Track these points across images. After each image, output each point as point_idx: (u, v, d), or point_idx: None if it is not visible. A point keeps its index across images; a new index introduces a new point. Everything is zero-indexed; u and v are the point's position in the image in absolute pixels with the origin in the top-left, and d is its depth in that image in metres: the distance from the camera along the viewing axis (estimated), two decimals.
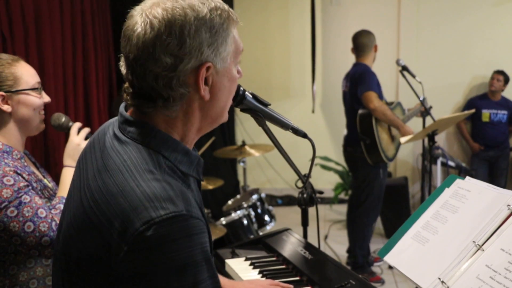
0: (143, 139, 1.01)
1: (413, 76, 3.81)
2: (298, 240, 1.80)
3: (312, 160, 1.64)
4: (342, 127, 4.39)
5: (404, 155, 6.20)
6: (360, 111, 3.89)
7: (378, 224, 5.27)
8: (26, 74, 1.69)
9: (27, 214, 1.54)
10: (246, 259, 1.76)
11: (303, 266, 1.60)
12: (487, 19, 5.81)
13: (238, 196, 4.15)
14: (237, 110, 1.50)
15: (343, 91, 4.19)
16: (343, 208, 5.99)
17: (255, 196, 3.81)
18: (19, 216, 1.53)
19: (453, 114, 5.66)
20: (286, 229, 1.93)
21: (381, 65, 5.43)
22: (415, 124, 5.22)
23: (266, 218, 3.79)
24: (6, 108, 1.66)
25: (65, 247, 1.04)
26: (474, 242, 1.22)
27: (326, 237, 5.09)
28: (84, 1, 3.88)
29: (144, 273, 0.89)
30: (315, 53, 5.86)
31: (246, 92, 1.42)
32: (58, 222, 1.57)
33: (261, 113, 1.47)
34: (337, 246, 4.78)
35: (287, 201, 6.33)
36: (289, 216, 5.51)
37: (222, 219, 3.65)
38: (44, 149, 3.50)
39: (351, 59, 4.17)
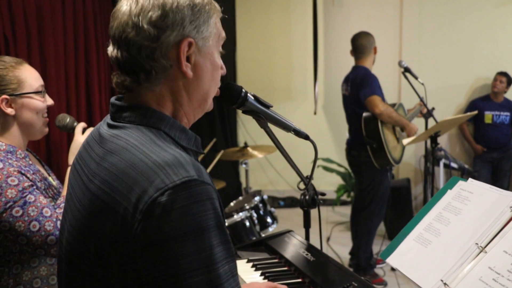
0: (141, 120, 1.05)
1: (416, 78, 3.80)
2: (300, 242, 1.80)
3: (314, 161, 1.64)
4: (344, 129, 4.38)
5: (407, 156, 6.19)
6: (364, 115, 3.85)
7: (381, 226, 5.26)
8: (30, 77, 1.70)
9: (32, 214, 1.55)
10: (248, 261, 1.76)
11: (305, 268, 1.59)
12: (489, 20, 5.81)
13: (240, 198, 4.14)
14: (240, 111, 1.50)
15: (343, 94, 4.16)
16: (345, 210, 5.99)
17: (257, 198, 3.80)
18: (24, 215, 1.54)
19: (455, 115, 5.65)
20: (288, 231, 1.93)
21: (383, 67, 5.43)
22: (418, 126, 5.22)
23: (268, 220, 3.79)
24: (10, 111, 1.67)
25: (73, 246, 1.04)
26: (476, 244, 1.22)
27: (328, 239, 5.09)
28: (86, 3, 3.89)
29: (159, 241, 0.89)
30: (317, 54, 5.86)
31: (248, 94, 1.42)
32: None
33: (263, 115, 1.47)
34: (339, 248, 4.78)
35: (289, 202, 6.33)
36: (291, 218, 5.51)
37: (225, 221, 3.64)
38: (47, 150, 3.50)
39: (353, 61, 4.17)
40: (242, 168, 4.95)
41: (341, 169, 5.94)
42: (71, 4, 3.71)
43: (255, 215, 3.71)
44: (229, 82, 1.40)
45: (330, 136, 6.35)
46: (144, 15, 1.01)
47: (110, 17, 1.09)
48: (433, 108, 4.10)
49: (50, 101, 1.79)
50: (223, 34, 1.14)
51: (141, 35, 1.01)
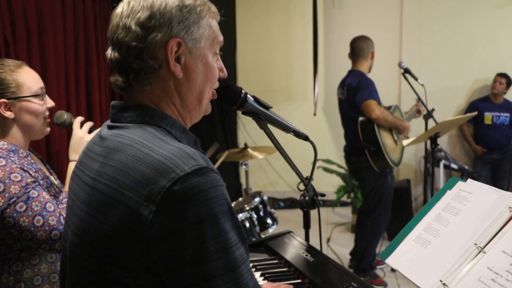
0: (143, 118, 1.06)
1: (415, 79, 3.81)
2: (300, 243, 1.80)
3: (314, 162, 1.64)
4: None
5: (407, 157, 6.19)
6: (360, 119, 3.84)
7: None
8: (28, 80, 1.71)
9: (36, 209, 1.57)
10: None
11: (305, 268, 1.60)
12: (489, 22, 5.82)
13: (240, 199, 4.14)
14: (239, 112, 1.51)
15: (339, 99, 4.15)
16: (345, 211, 6.00)
17: (257, 199, 3.80)
18: (28, 210, 1.55)
19: (455, 116, 5.65)
20: (288, 232, 1.93)
21: (383, 68, 5.44)
22: (418, 127, 5.23)
23: (268, 221, 3.79)
24: (9, 114, 1.68)
25: (80, 248, 1.04)
26: (475, 244, 1.22)
27: (328, 240, 5.09)
28: (86, 5, 3.89)
29: (176, 229, 0.91)
30: (317, 55, 5.87)
31: (248, 95, 1.43)
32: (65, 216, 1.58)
33: (262, 116, 1.48)
34: (339, 248, 4.78)
35: (290, 204, 6.33)
36: (291, 219, 5.51)
37: None
38: (47, 147, 3.50)
39: None
40: (242, 169, 4.95)
41: (341, 170, 5.93)
42: (71, 5, 3.71)
43: (255, 216, 3.71)
44: (228, 83, 1.41)
45: (330, 137, 6.36)
46: (133, 16, 1.03)
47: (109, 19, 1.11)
48: (433, 109, 4.10)
49: (50, 103, 1.81)
50: (220, 38, 1.15)
51: (129, 35, 1.03)
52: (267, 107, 1.48)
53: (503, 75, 5.58)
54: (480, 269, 1.16)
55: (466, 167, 5.12)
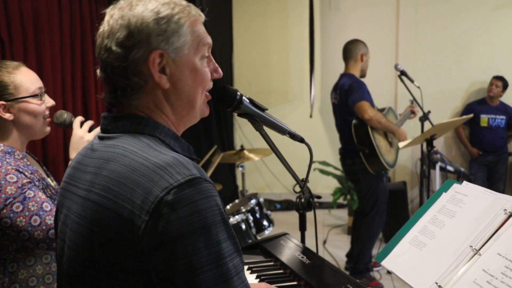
0: (136, 128, 1.07)
1: (412, 81, 3.81)
2: (296, 245, 1.80)
3: (310, 164, 1.64)
4: None
5: (403, 160, 6.21)
6: (354, 122, 3.84)
7: None
8: (26, 81, 1.71)
9: (32, 208, 1.57)
10: (244, 264, 1.76)
11: (301, 271, 1.59)
12: (485, 24, 5.84)
13: (237, 201, 4.14)
14: (235, 115, 1.50)
15: (333, 103, 4.16)
16: (341, 213, 6.00)
17: (253, 201, 3.80)
18: (24, 210, 1.56)
19: (451, 119, 5.67)
20: (284, 234, 1.93)
21: (380, 70, 5.45)
22: (414, 129, 5.24)
23: (265, 222, 3.78)
24: (8, 116, 1.68)
25: (76, 261, 1.04)
26: (471, 246, 1.22)
27: (324, 242, 5.09)
28: (83, 5, 3.88)
29: (169, 239, 0.90)
30: (313, 57, 5.87)
31: (244, 97, 1.43)
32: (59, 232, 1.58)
33: (258, 118, 1.47)
34: (335, 251, 4.78)
35: (286, 206, 6.33)
36: (287, 221, 5.51)
37: None
38: (43, 147, 3.49)
39: None
40: (238, 171, 4.95)
41: (338, 172, 5.94)
42: (67, 6, 3.70)
43: (251, 218, 3.71)
44: (224, 85, 1.41)
45: (326, 139, 6.36)
46: (113, 37, 1.05)
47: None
48: (429, 111, 4.11)
49: (50, 102, 1.81)
50: (207, 40, 1.14)
51: (111, 56, 1.05)
52: (263, 109, 1.48)
53: (499, 78, 5.60)
54: (476, 271, 1.16)
55: (462, 169, 5.13)
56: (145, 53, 1.04)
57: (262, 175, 6.56)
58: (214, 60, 1.19)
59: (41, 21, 3.44)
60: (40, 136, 1.82)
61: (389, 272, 4.21)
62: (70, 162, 1.81)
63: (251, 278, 1.64)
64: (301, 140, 1.60)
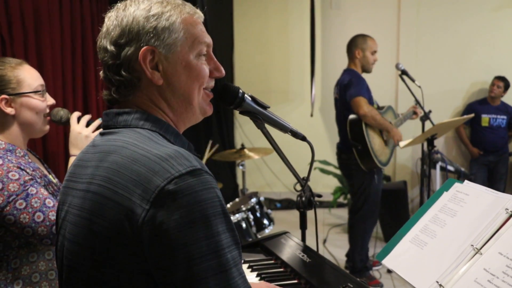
0: (137, 123, 1.08)
1: (413, 80, 3.81)
2: (296, 244, 1.80)
3: (311, 162, 1.64)
4: None
5: (403, 159, 6.20)
6: (350, 117, 3.86)
7: (377, 228, 5.27)
8: (29, 77, 1.73)
9: (35, 205, 1.59)
10: (244, 262, 1.76)
11: (302, 269, 1.60)
12: (486, 24, 5.83)
13: (237, 200, 4.14)
14: (236, 113, 1.51)
15: (335, 98, 4.19)
16: (342, 212, 6.00)
17: (254, 200, 3.80)
18: (28, 207, 1.58)
19: (452, 118, 5.66)
20: (285, 232, 1.93)
21: (381, 70, 5.43)
22: (415, 129, 5.24)
23: (265, 221, 3.78)
24: (9, 111, 1.69)
25: (76, 253, 1.05)
26: (472, 245, 1.22)
27: (324, 241, 5.09)
28: (83, 5, 3.88)
29: (169, 228, 0.91)
30: (314, 56, 5.87)
31: (246, 95, 1.43)
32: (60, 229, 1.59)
33: (260, 116, 1.47)
34: (335, 250, 4.78)
35: (286, 204, 6.33)
36: (288, 220, 5.51)
37: None
38: (43, 145, 3.49)
39: None
40: (239, 169, 4.95)
41: (338, 172, 5.94)
42: (68, 5, 3.70)
43: (251, 216, 3.71)
44: (226, 83, 1.41)
45: (327, 138, 6.36)
46: (108, 37, 1.09)
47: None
48: (430, 111, 4.11)
49: (51, 101, 1.82)
50: (204, 38, 1.14)
51: (107, 55, 1.09)
52: (265, 107, 1.48)
53: (501, 78, 5.59)
54: (477, 271, 1.16)
55: (463, 169, 5.13)
56: (136, 50, 1.07)
57: (262, 174, 6.56)
58: (215, 59, 1.19)
59: (42, 20, 3.44)
60: (39, 134, 1.83)
61: (389, 271, 4.22)
62: (70, 158, 1.82)
63: (251, 276, 1.64)
64: (303, 138, 1.60)
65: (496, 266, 1.13)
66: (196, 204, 0.92)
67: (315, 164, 5.56)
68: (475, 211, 1.30)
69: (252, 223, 3.69)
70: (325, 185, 6.09)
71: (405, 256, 1.36)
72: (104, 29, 1.11)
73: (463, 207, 1.35)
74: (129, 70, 1.08)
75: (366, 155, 3.80)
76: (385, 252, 1.42)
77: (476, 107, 5.71)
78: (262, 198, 3.92)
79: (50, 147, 3.52)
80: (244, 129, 6.33)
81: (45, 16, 3.47)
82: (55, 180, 1.84)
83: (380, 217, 5.14)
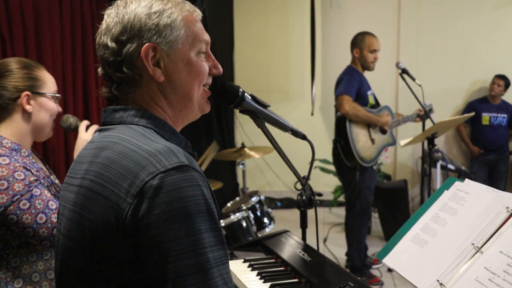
0: (132, 120, 1.09)
1: (413, 79, 3.81)
2: (297, 242, 1.80)
3: (312, 161, 1.64)
4: None
5: (404, 158, 6.20)
6: (337, 113, 3.97)
7: (378, 227, 5.27)
8: (50, 81, 1.81)
9: (39, 206, 1.60)
10: (245, 261, 1.76)
11: (302, 268, 1.59)
12: (487, 22, 5.82)
13: (238, 199, 4.14)
14: (237, 112, 1.51)
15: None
16: (342, 211, 5.98)
17: (254, 199, 3.80)
18: (31, 208, 1.59)
19: (452, 117, 5.66)
20: (285, 231, 1.93)
21: (381, 68, 5.43)
22: (415, 127, 5.23)
23: (265, 220, 3.78)
24: (28, 108, 1.74)
25: (69, 248, 1.06)
26: (473, 244, 1.22)
27: (325, 240, 5.09)
28: (83, 3, 3.88)
29: (149, 223, 0.91)
30: (314, 55, 5.87)
31: (246, 94, 1.43)
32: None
33: (260, 115, 1.47)
34: (336, 249, 4.78)
35: (287, 203, 6.33)
36: (288, 219, 5.50)
37: (221, 221, 3.65)
38: (43, 151, 3.50)
39: (349, 62, 4.19)
40: (239, 168, 4.95)
41: None
42: (68, 4, 3.70)
43: (252, 215, 3.71)
44: (226, 82, 1.41)
45: (327, 137, 6.34)
46: (109, 34, 1.09)
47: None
48: (430, 110, 4.11)
49: (59, 108, 1.87)
50: (203, 36, 1.16)
51: (107, 52, 1.09)
52: (265, 106, 1.48)
53: (501, 77, 5.59)
54: (477, 269, 1.16)
55: (463, 167, 5.13)
56: (138, 47, 1.07)
57: (263, 173, 6.56)
58: (213, 57, 1.20)
59: (42, 19, 3.44)
60: (44, 137, 1.86)
61: (389, 270, 4.22)
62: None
63: (252, 275, 1.64)
64: (303, 137, 1.60)
65: (497, 265, 1.13)
66: (179, 200, 0.92)
67: (316, 163, 5.55)
68: (475, 210, 1.30)
69: (253, 222, 3.69)
70: (326, 184, 6.09)
71: (406, 255, 1.35)
72: (103, 26, 1.11)
73: (464, 206, 1.34)
74: (130, 67, 1.08)
75: (348, 151, 3.88)
76: (386, 251, 1.42)
77: (477, 105, 5.70)
78: (262, 197, 3.92)
79: (49, 147, 3.52)
80: (245, 128, 6.32)
81: (45, 15, 3.47)
82: (56, 181, 1.86)
83: (380, 216, 5.15)
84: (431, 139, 3.68)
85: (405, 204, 4.96)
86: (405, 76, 3.82)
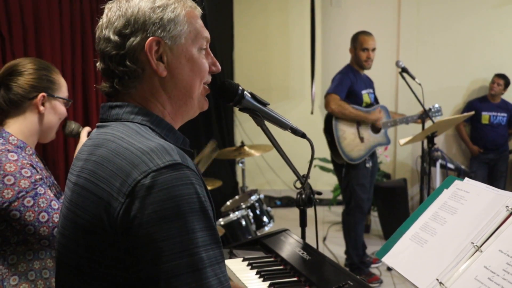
0: (128, 117, 1.08)
1: (413, 78, 3.80)
2: (296, 241, 1.80)
3: (311, 160, 1.64)
4: None
5: (403, 157, 6.20)
6: (327, 111, 4.05)
7: (377, 226, 5.27)
8: (64, 85, 1.88)
9: (42, 205, 1.62)
10: (244, 260, 1.76)
11: (301, 266, 1.59)
12: (487, 22, 5.81)
13: (237, 197, 4.14)
14: (236, 110, 1.50)
15: None
16: (341, 210, 5.98)
17: (253, 197, 3.80)
18: (35, 206, 1.61)
19: (452, 116, 5.65)
20: (284, 230, 1.93)
21: (381, 67, 5.43)
22: (414, 126, 5.22)
23: (265, 219, 3.79)
24: (42, 109, 1.77)
25: (65, 246, 1.06)
26: (472, 243, 1.22)
27: (324, 238, 5.09)
28: (83, 3, 3.87)
29: (141, 222, 0.90)
30: (314, 54, 5.86)
31: (245, 92, 1.42)
32: None
33: (259, 113, 1.47)
34: (335, 247, 4.78)
35: (286, 202, 6.33)
36: (287, 218, 5.50)
37: (221, 219, 3.65)
38: (43, 155, 3.49)
39: (349, 60, 4.19)
40: (238, 167, 4.94)
41: None
42: (68, 3, 3.69)
43: (251, 214, 3.71)
44: (226, 80, 1.40)
45: None
46: (111, 27, 1.08)
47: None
48: (430, 109, 4.10)
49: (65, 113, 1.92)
50: (205, 33, 1.16)
51: (109, 45, 1.08)
52: (265, 104, 1.48)
53: (501, 76, 5.58)
54: (477, 268, 1.16)
55: (463, 166, 5.12)
56: (142, 40, 1.06)
57: (262, 171, 6.56)
58: (212, 54, 1.20)
59: (41, 17, 3.44)
60: (49, 139, 1.89)
61: (389, 269, 4.22)
62: None
63: (251, 274, 1.64)
64: (303, 135, 1.59)
65: (497, 264, 1.13)
66: (171, 199, 0.91)
67: (315, 162, 5.56)
68: (475, 209, 1.30)
69: (252, 220, 3.69)
70: (325, 182, 6.09)
71: (405, 253, 1.35)
72: (104, 19, 1.10)
73: (464, 205, 1.34)
74: (133, 61, 1.07)
75: (334, 148, 3.98)
76: (385, 250, 1.41)
77: (476, 104, 5.70)
78: (262, 196, 3.92)
79: (49, 150, 3.52)
80: (244, 127, 6.32)
81: (45, 13, 3.46)
82: (55, 182, 1.88)
83: (379, 215, 5.15)
84: (430, 138, 3.68)
85: (404, 203, 4.96)
86: (405, 75, 3.82)
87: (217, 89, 1.38)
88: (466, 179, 1.42)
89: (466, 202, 1.34)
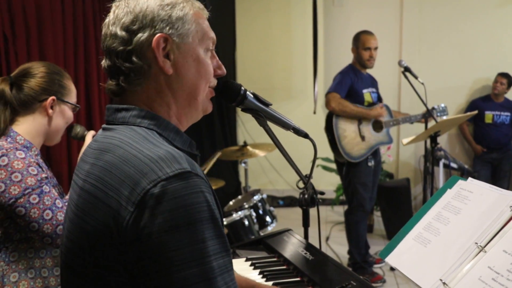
0: (134, 121, 1.07)
1: (416, 77, 3.79)
2: (299, 241, 1.80)
3: (314, 160, 1.63)
4: None
5: (406, 156, 6.19)
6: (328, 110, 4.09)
7: (380, 226, 5.26)
8: (74, 91, 1.91)
9: (47, 203, 1.65)
10: (247, 260, 1.75)
11: (304, 267, 1.59)
12: (490, 21, 5.80)
13: (240, 197, 4.14)
14: (239, 110, 1.50)
15: None
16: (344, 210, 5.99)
17: (256, 197, 3.80)
18: (40, 203, 1.64)
19: (455, 115, 5.64)
20: (287, 230, 1.92)
21: (383, 66, 5.43)
22: (417, 125, 5.21)
23: (267, 219, 3.78)
24: (50, 112, 1.81)
25: (71, 250, 1.05)
26: (476, 243, 1.21)
27: (327, 238, 5.08)
28: (85, 3, 3.87)
29: (151, 232, 0.89)
30: (317, 54, 5.85)
31: (248, 92, 1.42)
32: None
33: (262, 113, 1.47)
34: (338, 247, 4.77)
35: (289, 202, 6.32)
36: (290, 217, 5.50)
37: (223, 219, 3.65)
38: (47, 157, 3.50)
39: (351, 60, 4.19)
40: (241, 167, 4.95)
41: None
42: (70, 3, 3.70)
43: (254, 214, 3.71)
44: (228, 80, 1.40)
45: None
46: (118, 23, 1.07)
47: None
48: (433, 108, 4.09)
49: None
50: (211, 34, 1.16)
51: (116, 41, 1.07)
52: (267, 104, 1.47)
53: (504, 75, 5.56)
54: (481, 269, 1.16)
55: (466, 166, 5.11)
56: (150, 37, 1.06)
57: (265, 171, 6.56)
58: (217, 57, 1.19)
59: (44, 18, 3.44)
60: (54, 142, 1.93)
61: (392, 269, 4.21)
62: None
63: (254, 274, 1.64)
64: (305, 135, 1.59)
65: (501, 264, 1.13)
66: (181, 209, 0.90)
67: (318, 162, 5.55)
68: (479, 209, 1.30)
69: (255, 220, 3.69)
70: (328, 182, 6.08)
71: (409, 254, 1.35)
72: (111, 16, 1.09)
73: (467, 205, 1.34)
74: (140, 57, 1.06)
75: (334, 146, 4.01)
76: (388, 250, 1.41)
77: (480, 104, 5.68)
78: (264, 196, 3.92)
79: (52, 153, 3.52)
80: (247, 127, 6.32)
81: (47, 14, 3.47)
82: (57, 183, 1.90)
83: (383, 215, 5.14)
84: (433, 138, 3.67)
85: (407, 203, 4.95)
86: (407, 74, 3.81)
87: (220, 89, 1.37)
88: (470, 179, 1.42)
89: (469, 202, 1.34)
